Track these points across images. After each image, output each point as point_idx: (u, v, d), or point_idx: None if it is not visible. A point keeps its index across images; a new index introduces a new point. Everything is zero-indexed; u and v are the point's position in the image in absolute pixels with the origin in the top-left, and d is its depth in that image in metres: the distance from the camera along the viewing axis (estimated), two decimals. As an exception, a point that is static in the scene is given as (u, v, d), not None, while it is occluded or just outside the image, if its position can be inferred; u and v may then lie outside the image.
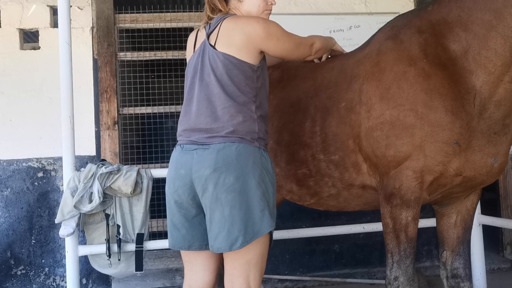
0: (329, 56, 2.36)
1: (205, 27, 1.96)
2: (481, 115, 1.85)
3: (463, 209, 2.17)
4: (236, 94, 1.82)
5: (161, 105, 3.97)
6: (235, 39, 1.83)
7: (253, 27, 1.84)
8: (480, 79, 1.82)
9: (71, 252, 2.60)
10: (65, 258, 3.05)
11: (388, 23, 2.18)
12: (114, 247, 2.63)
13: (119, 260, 2.64)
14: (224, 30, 1.85)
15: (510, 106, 1.85)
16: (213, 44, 1.86)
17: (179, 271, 3.82)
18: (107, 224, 2.64)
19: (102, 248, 2.64)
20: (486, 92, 1.82)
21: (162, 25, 3.92)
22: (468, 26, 1.83)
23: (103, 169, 2.57)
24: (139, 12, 3.90)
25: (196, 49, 1.95)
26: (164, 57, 3.98)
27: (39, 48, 3.78)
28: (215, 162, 1.75)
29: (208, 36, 1.90)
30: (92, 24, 3.81)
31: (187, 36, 2.09)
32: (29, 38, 4.45)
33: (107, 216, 2.65)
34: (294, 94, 2.40)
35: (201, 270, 1.94)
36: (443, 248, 2.20)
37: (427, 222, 2.99)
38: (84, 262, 3.45)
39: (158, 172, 2.77)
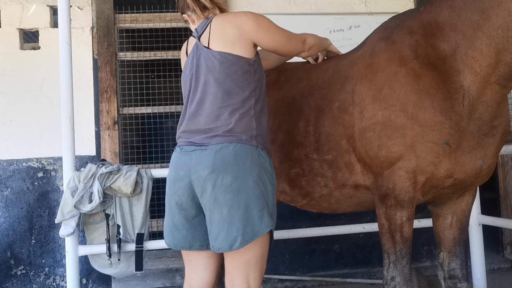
0: (325, 58, 2.37)
1: (193, 35, 1.99)
2: (471, 115, 1.84)
3: (458, 210, 2.16)
4: (235, 91, 1.82)
5: (161, 105, 3.97)
6: (227, 34, 1.84)
7: (242, 19, 1.86)
8: (468, 79, 1.81)
9: (71, 252, 2.60)
10: (65, 258, 3.06)
11: (382, 24, 2.19)
12: (114, 247, 2.63)
13: (119, 260, 2.64)
14: (216, 28, 1.86)
15: (496, 107, 1.85)
16: (206, 45, 1.86)
17: (179, 271, 3.82)
18: (107, 224, 2.65)
19: (102, 248, 2.64)
20: (474, 92, 1.82)
21: (162, 25, 3.92)
22: (457, 26, 1.82)
23: (103, 169, 2.57)
24: (139, 12, 3.91)
25: (189, 53, 1.96)
26: (164, 57, 3.98)
27: (39, 48, 3.78)
28: (213, 163, 1.75)
29: (199, 39, 1.91)
30: (92, 24, 3.81)
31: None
32: (29, 38, 4.45)
33: (107, 216, 2.65)
34: (289, 94, 2.40)
35: (201, 270, 1.95)
36: (440, 249, 2.20)
37: (427, 222, 2.98)
38: (84, 262, 3.46)
39: (158, 172, 2.76)
